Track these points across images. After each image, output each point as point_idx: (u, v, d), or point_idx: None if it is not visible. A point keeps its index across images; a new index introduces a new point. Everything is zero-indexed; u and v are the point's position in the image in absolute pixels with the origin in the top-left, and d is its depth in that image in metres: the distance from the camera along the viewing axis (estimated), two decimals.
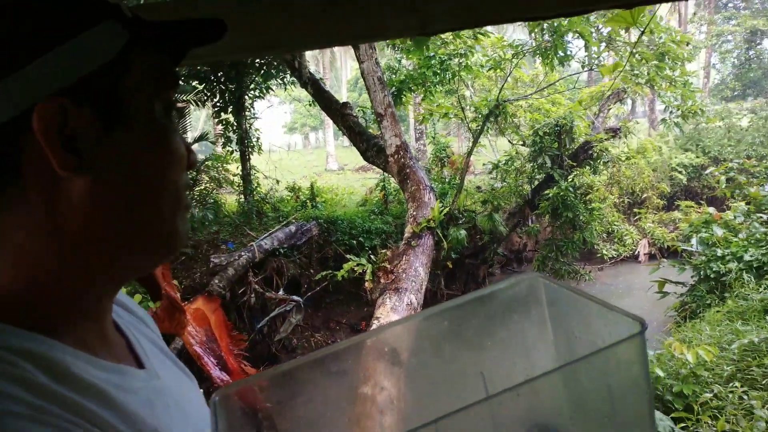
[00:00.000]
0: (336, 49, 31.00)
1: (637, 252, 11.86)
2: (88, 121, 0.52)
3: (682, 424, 3.60)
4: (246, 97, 10.15)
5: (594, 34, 9.59)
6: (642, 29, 7.90)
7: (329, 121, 22.19)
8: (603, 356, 0.54)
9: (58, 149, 0.50)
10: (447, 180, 11.31)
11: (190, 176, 0.65)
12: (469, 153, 9.14)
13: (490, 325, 0.71)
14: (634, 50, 8.66)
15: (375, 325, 4.94)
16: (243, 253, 7.97)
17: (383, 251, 6.81)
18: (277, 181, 12.09)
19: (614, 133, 10.47)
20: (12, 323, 0.51)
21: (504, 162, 10.69)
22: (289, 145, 38.81)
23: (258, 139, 10.76)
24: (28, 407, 0.46)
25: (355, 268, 6.81)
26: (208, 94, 10.06)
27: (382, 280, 5.72)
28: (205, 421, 0.62)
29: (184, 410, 0.65)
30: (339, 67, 36.21)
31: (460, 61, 8.65)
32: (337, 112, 7.97)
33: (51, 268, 0.53)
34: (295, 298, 8.06)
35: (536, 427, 0.63)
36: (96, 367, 0.55)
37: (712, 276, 6.77)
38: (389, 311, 5.04)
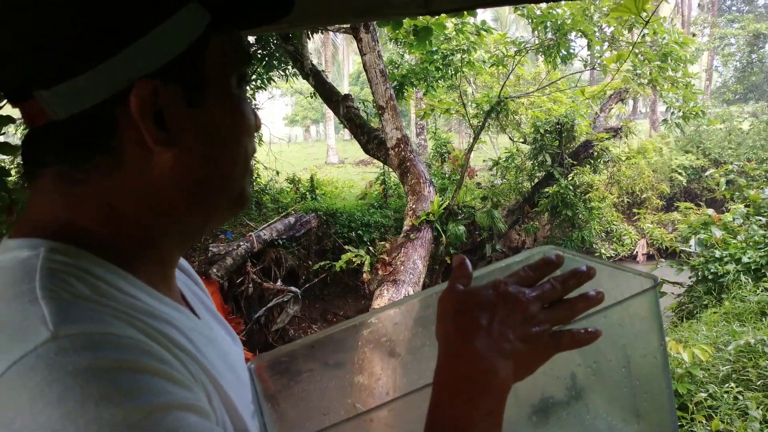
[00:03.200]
0: (339, 41, 30.90)
1: (635, 252, 11.87)
2: (174, 98, 0.58)
3: None
4: (248, 87, 10.12)
5: (597, 34, 9.57)
6: (643, 28, 7.90)
7: (330, 115, 22.17)
8: (617, 313, 0.55)
9: (151, 125, 0.56)
10: (447, 175, 11.29)
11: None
12: (470, 149, 9.13)
13: None
14: (637, 50, 8.65)
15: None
16: (241, 243, 7.96)
17: (382, 243, 6.81)
18: (277, 173, 12.07)
19: (615, 132, 10.46)
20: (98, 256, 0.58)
21: (504, 159, 10.68)
22: (290, 138, 38.76)
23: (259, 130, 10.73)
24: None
25: (354, 259, 6.81)
26: None
27: (380, 272, 5.72)
28: (247, 380, 0.71)
29: (234, 366, 0.71)
30: (341, 61, 36.13)
31: (463, 56, 8.62)
32: (339, 104, 7.94)
33: (137, 223, 0.61)
34: (293, 289, 8.06)
35: (540, 404, 0.64)
36: (161, 301, 0.62)
37: (709, 277, 6.76)
38: (387, 302, 5.03)
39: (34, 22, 0.53)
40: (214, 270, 7.22)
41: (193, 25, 0.58)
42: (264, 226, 8.73)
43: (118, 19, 0.54)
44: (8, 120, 3.38)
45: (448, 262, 8.68)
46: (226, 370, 0.66)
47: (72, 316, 0.48)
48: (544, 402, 0.62)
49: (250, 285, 7.81)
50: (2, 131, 3.36)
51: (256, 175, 10.90)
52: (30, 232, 0.58)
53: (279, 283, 8.20)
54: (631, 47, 6.52)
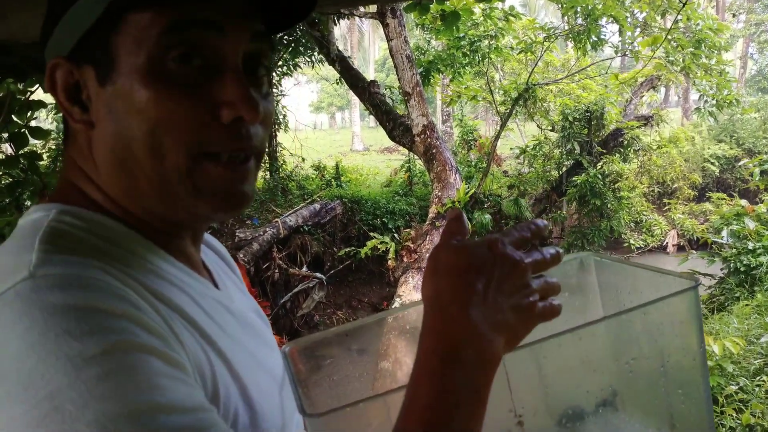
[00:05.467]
0: (365, 27, 30.78)
1: (665, 243, 11.66)
2: (89, 77, 0.59)
3: None
4: (274, 74, 10.14)
5: (629, 19, 9.37)
6: (678, 13, 7.69)
7: (355, 102, 22.13)
8: (655, 313, 0.52)
9: (65, 102, 0.60)
10: (473, 163, 11.20)
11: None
12: (497, 136, 9.04)
13: None
14: (670, 36, 8.44)
15: (397, 303, 4.94)
16: (268, 229, 8.02)
17: (407, 230, 6.79)
18: (303, 159, 12.12)
19: (646, 120, 10.25)
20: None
21: (532, 147, 10.55)
22: (315, 125, 38.86)
23: (285, 116, 10.77)
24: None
25: (379, 246, 6.81)
26: None
27: (405, 259, 5.71)
28: (277, 356, 0.73)
29: (259, 333, 0.74)
30: (367, 47, 36.00)
31: (491, 42, 8.51)
32: (364, 90, 7.91)
33: (109, 197, 0.63)
34: (318, 275, 8.11)
35: (568, 412, 0.61)
36: (172, 264, 0.64)
37: (742, 269, 6.66)
38: (411, 289, 5.03)
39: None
40: (241, 255, 7.29)
41: (95, 6, 0.57)
42: (290, 212, 8.78)
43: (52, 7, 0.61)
44: (40, 104, 3.43)
45: None
46: (247, 341, 0.68)
47: (54, 261, 0.52)
48: (574, 406, 0.60)
49: (276, 270, 7.87)
50: (35, 116, 3.41)
51: (282, 162, 10.95)
52: (50, 198, 0.63)
53: (304, 269, 8.26)
54: (665, 32, 6.35)
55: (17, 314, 0.47)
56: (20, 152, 3.24)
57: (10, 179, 3.79)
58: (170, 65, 0.57)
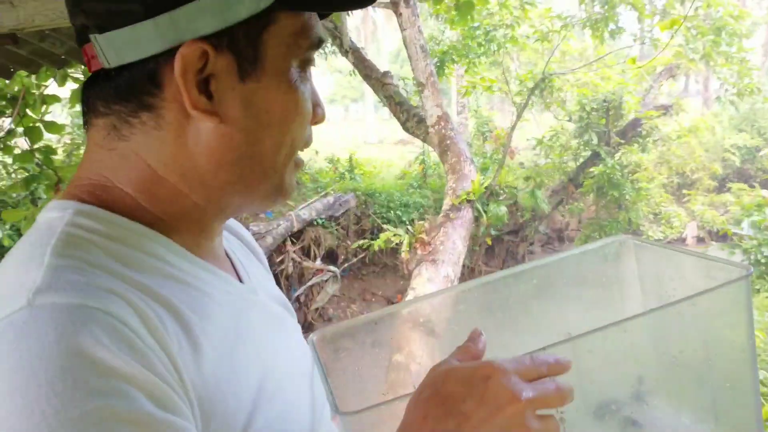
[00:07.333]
0: (379, 19, 30.65)
1: (684, 234, 11.50)
2: (226, 68, 0.57)
3: None
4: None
5: (647, 6, 9.22)
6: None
7: (369, 94, 22.08)
8: (705, 302, 0.48)
9: (193, 90, 0.55)
10: (489, 155, 11.11)
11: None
12: (513, 127, 8.94)
13: (577, 287, 0.70)
14: (689, 24, 8.29)
15: (411, 295, 4.91)
16: (281, 222, 8.03)
17: (420, 222, 6.75)
18: (316, 152, 12.12)
19: (665, 110, 10.10)
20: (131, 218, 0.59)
21: (548, 138, 10.44)
22: (329, 117, 38.93)
23: None
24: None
25: (392, 239, 6.77)
26: None
27: (419, 252, 5.66)
28: (305, 348, 0.73)
29: (285, 325, 0.73)
30: (380, 39, 35.90)
31: (506, 32, 8.41)
32: (378, 81, 7.85)
33: (173, 189, 0.60)
34: (332, 268, 8.11)
35: (611, 407, 0.58)
36: (195, 264, 0.62)
37: (762, 261, 6.64)
38: (425, 282, 4.99)
39: None
40: None
41: (256, 1, 0.56)
42: (303, 205, 8.78)
43: None
44: (54, 99, 3.44)
45: (489, 243, 8.57)
46: (275, 327, 0.70)
47: (60, 284, 0.49)
48: (617, 401, 0.56)
49: (290, 264, 7.89)
50: (49, 110, 3.42)
51: None
52: (68, 192, 0.60)
53: (318, 262, 8.26)
54: (683, 17, 6.23)
55: (7, 349, 0.45)
56: (35, 147, 3.26)
57: (26, 173, 3.82)
58: (306, 72, 0.62)
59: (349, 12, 8.25)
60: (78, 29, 0.58)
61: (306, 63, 0.62)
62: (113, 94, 0.58)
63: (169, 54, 0.55)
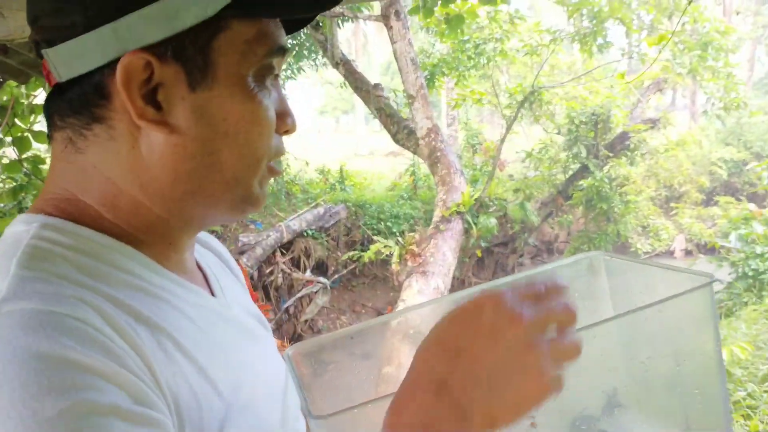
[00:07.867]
0: (370, 32, 30.81)
1: (672, 247, 11.57)
2: (173, 77, 0.55)
3: None
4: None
5: (635, 22, 9.34)
6: (683, 14, 7.64)
7: (360, 105, 22.14)
8: (669, 311, 0.50)
9: (138, 100, 0.54)
10: (478, 167, 11.17)
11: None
12: (503, 140, 9.00)
13: None
14: (677, 39, 8.41)
15: (401, 306, 4.90)
16: (271, 233, 8.01)
17: (411, 234, 6.76)
18: (307, 163, 12.11)
19: (653, 123, 10.20)
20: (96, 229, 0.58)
21: (538, 150, 10.50)
22: (319, 128, 38.93)
23: None
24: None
25: (383, 250, 6.77)
26: None
27: (409, 263, 5.67)
28: (279, 362, 0.72)
29: (259, 339, 0.72)
30: (371, 52, 36.07)
31: (496, 45, 8.49)
32: (369, 93, 7.89)
33: (134, 201, 0.59)
34: (322, 279, 8.08)
35: (582, 413, 0.59)
36: (164, 276, 0.61)
37: (750, 273, 6.64)
38: (416, 293, 4.99)
39: None
40: (244, 259, 7.28)
41: (206, 5, 0.54)
42: (293, 216, 8.77)
43: None
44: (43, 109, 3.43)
45: (479, 255, 8.58)
46: (249, 343, 0.69)
47: (25, 292, 0.49)
48: (588, 407, 0.58)
49: (280, 275, 7.86)
50: (38, 120, 3.41)
51: (285, 165, 10.94)
52: (35, 206, 0.60)
53: (308, 273, 8.23)
54: (671, 32, 6.34)
55: None
56: (23, 156, 3.24)
57: (14, 183, 3.80)
58: (266, 81, 0.60)
59: (340, 24, 8.30)
60: (35, 45, 0.58)
61: (266, 70, 0.60)
62: (67, 107, 0.57)
63: (115, 65, 0.54)
